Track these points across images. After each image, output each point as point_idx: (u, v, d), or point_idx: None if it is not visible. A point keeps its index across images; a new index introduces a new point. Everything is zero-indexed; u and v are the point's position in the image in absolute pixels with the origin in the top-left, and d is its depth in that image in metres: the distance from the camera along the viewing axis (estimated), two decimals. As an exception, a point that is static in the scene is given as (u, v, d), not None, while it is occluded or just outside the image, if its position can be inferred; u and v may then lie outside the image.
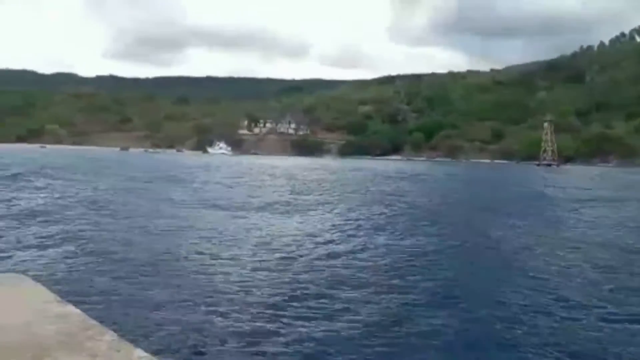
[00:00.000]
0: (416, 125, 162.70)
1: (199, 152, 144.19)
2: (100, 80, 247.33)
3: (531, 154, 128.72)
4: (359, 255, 14.11)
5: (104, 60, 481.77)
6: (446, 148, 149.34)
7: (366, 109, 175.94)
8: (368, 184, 41.20)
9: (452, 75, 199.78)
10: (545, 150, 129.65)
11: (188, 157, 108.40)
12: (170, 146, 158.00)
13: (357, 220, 20.76)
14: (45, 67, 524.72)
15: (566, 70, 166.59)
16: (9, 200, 23.00)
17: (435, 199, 30.13)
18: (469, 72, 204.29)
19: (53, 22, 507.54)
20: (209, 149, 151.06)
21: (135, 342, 2.05)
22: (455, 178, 59.61)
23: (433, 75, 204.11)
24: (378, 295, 10.30)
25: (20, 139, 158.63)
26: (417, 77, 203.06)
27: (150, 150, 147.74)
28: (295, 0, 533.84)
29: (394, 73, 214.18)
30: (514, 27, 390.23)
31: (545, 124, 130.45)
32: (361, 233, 17.70)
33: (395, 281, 11.48)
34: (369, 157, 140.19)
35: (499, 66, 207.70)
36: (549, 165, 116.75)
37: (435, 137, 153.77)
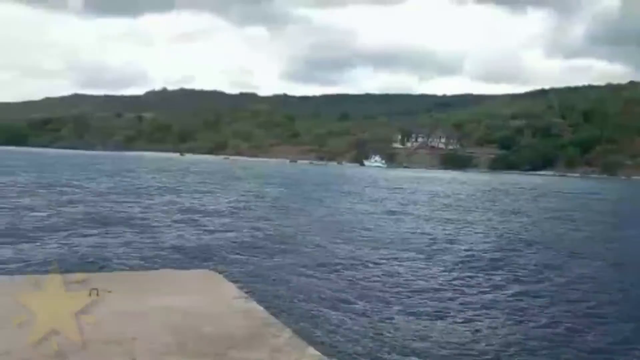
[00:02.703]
0: (570, 139, 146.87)
1: (356, 165, 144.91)
2: (275, 99, 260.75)
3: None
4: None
5: (280, 81, 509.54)
6: (603, 164, 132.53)
7: (517, 123, 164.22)
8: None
9: (611, 87, 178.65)
10: None
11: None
12: (332, 159, 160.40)
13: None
14: (232, 88, 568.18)
15: None
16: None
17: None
18: (631, 83, 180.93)
19: (239, 48, 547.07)
20: (365, 162, 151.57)
21: (309, 341, 2.09)
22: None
23: (590, 87, 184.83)
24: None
25: (210, 151, 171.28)
26: (572, 90, 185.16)
27: (315, 162, 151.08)
28: (449, 18, 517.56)
29: (547, 86, 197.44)
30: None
31: None
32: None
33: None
34: (518, 171, 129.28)
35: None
36: None
37: (591, 153, 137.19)
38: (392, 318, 8.39)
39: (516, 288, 11.02)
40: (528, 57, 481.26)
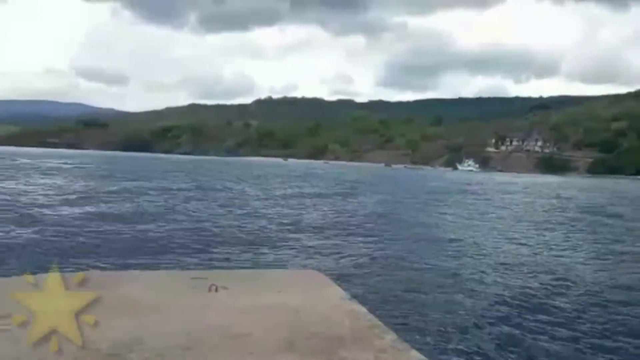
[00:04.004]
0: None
1: (449, 169, 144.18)
2: (371, 105, 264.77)
3: None
4: None
5: (376, 87, 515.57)
6: None
7: (619, 125, 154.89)
8: None
9: None
10: None
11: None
12: (425, 163, 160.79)
13: None
14: (331, 95, 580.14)
15: None
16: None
17: None
18: None
19: (338, 57, 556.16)
20: (458, 166, 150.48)
21: (412, 345, 2.07)
22: None
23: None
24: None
25: (310, 156, 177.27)
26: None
27: (409, 166, 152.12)
28: (546, 18, 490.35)
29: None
30: None
31: None
32: None
33: None
34: (621, 176, 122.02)
35: None
36: None
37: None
38: (512, 333, 7.36)
39: None
40: (630, 56, 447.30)
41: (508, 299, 9.03)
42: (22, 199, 20.56)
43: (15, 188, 25.37)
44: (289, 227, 16.78)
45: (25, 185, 27.68)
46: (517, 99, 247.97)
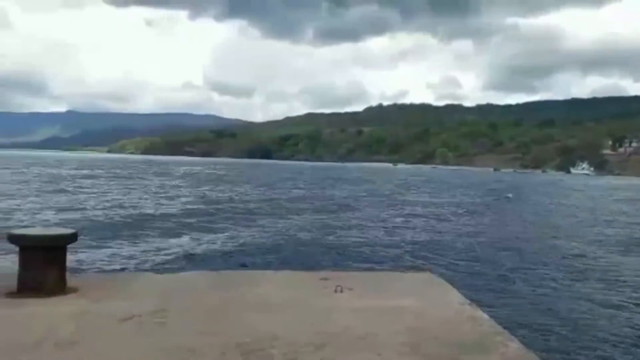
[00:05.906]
0: None
1: (562, 173, 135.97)
2: (479, 109, 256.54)
3: None
4: None
5: (484, 91, 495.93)
6: None
7: None
8: None
9: None
10: None
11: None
12: (535, 167, 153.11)
13: None
14: (439, 101, 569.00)
15: None
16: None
17: None
18: None
19: (446, 62, 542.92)
20: (572, 170, 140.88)
21: (540, 355, 1.85)
22: None
23: None
24: None
25: (418, 161, 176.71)
26: None
27: (518, 170, 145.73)
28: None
29: None
30: None
31: None
32: None
33: None
34: None
35: None
36: None
37: None
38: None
39: None
40: None
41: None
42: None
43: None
44: (418, 231, 16.69)
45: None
46: (636, 98, 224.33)
